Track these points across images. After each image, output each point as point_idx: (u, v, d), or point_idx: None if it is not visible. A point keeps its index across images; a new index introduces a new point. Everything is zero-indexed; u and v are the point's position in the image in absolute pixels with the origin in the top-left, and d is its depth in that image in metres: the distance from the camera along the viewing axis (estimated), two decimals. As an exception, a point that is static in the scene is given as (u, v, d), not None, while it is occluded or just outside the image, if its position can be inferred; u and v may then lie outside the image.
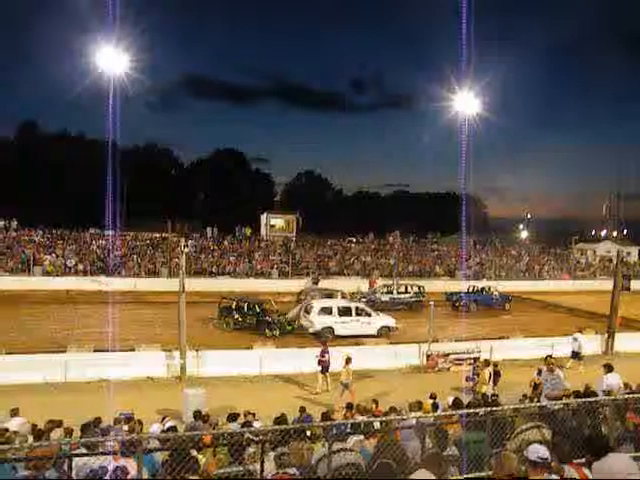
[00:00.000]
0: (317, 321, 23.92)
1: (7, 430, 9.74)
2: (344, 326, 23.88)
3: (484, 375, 15.81)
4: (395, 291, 32.79)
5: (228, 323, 25.05)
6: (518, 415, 7.47)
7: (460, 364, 19.76)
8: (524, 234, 67.60)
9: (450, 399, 12.47)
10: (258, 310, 24.73)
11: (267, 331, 23.83)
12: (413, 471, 4.87)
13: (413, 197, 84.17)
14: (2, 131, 67.48)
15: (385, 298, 32.07)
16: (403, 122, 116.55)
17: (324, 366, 17.32)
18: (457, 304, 32.60)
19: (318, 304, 24.78)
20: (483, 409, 7.23)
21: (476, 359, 20.03)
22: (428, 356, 19.94)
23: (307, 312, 24.54)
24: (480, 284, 35.77)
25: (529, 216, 75.18)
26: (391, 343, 21.54)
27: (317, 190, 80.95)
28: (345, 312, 24.30)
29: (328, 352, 17.59)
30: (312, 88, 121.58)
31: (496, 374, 17.01)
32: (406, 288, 33.64)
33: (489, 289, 34.32)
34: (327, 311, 24.23)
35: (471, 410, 8.14)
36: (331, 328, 23.73)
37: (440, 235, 56.31)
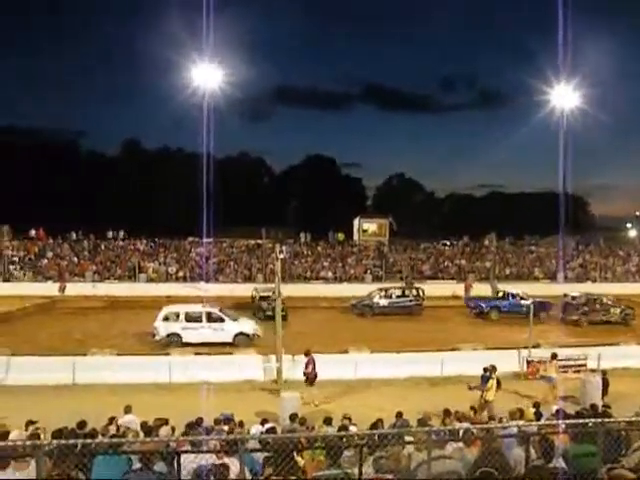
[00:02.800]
0: (162, 328, 22.43)
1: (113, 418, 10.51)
2: (193, 333, 22.31)
3: (493, 382, 14.88)
4: (393, 295, 31.04)
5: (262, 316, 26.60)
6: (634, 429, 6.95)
7: (565, 372, 18.74)
8: (633, 233, 63.04)
9: (554, 408, 11.90)
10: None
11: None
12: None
13: (509, 197, 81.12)
14: (109, 150, 72.40)
15: (383, 302, 30.62)
16: (497, 120, 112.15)
17: (309, 377, 16.51)
18: (475, 311, 30.18)
19: (164, 310, 23.20)
20: (592, 420, 6.80)
21: (582, 366, 19.06)
22: (529, 362, 19.09)
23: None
24: (514, 289, 31.74)
25: (638, 214, 70.11)
26: (488, 348, 20.77)
27: (408, 193, 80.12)
28: (194, 318, 22.69)
29: (313, 362, 16.66)
30: (402, 90, 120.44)
31: (605, 383, 15.99)
32: (404, 292, 31.71)
33: (517, 295, 30.45)
34: (172, 317, 22.68)
35: (579, 420, 7.72)
36: (178, 335, 22.29)
37: (539, 236, 53.85)
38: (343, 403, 15.01)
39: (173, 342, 22.02)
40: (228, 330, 22.73)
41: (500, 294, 31.54)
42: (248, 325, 23.41)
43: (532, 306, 22.20)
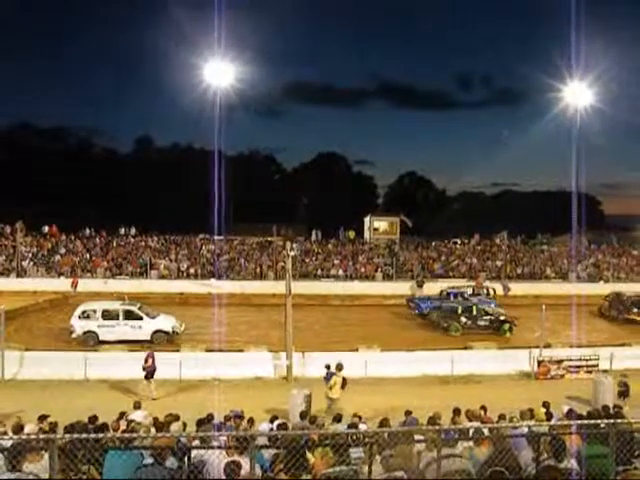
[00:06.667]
0: (77, 326, 22.07)
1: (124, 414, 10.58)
2: (110, 330, 21.94)
3: (337, 380, 14.67)
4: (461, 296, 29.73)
5: (457, 328, 25.19)
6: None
7: (576, 372, 18.63)
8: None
9: (565, 408, 11.81)
10: (490, 312, 25.50)
11: (507, 332, 24.88)
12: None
13: (521, 196, 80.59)
14: (122, 147, 73.18)
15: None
16: (510, 118, 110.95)
17: (149, 371, 16.25)
18: (415, 312, 28.45)
19: (81, 307, 22.83)
20: (604, 421, 6.74)
21: (593, 367, 18.90)
22: (540, 362, 18.99)
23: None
24: (454, 288, 30.39)
25: (652, 213, 69.27)
26: (500, 348, 20.72)
27: (420, 191, 79.89)
28: (111, 315, 22.32)
29: (153, 357, 16.52)
30: (415, 88, 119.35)
31: (626, 387, 15.63)
32: (473, 291, 30.65)
33: (459, 294, 29.14)
34: (89, 315, 22.29)
35: (590, 421, 7.66)
36: (94, 333, 21.90)
37: (551, 235, 53.48)
38: (351, 401, 14.97)
39: (90, 340, 21.69)
40: (146, 328, 22.49)
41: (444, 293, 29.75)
42: (167, 322, 23.16)
43: (543, 306, 22.05)
